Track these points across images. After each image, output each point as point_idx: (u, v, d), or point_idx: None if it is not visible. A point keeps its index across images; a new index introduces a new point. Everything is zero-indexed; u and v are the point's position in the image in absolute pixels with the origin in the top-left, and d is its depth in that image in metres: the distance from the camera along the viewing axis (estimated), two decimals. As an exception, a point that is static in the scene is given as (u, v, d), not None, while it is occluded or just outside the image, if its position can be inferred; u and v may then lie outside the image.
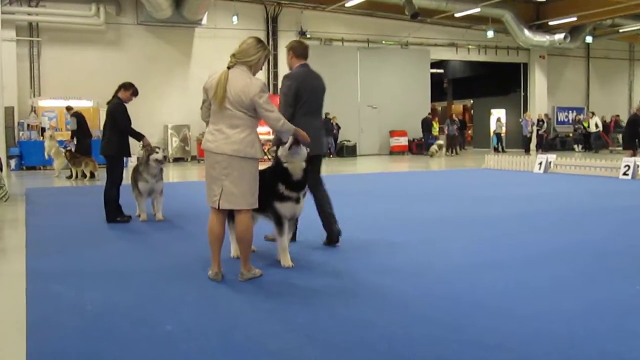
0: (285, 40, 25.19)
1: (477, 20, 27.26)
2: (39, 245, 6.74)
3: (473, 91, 34.86)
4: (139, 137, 8.22)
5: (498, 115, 31.28)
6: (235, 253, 5.71)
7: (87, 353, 3.53)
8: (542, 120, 28.28)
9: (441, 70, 35.25)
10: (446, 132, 27.92)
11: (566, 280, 5.04)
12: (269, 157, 5.64)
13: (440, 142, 26.07)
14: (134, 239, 7.26)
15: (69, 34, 22.16)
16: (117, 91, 8.30)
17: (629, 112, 33.54)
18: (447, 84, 37.44)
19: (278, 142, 5.50)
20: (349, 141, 26.19)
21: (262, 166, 5.35)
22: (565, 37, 28.21)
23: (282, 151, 5.36)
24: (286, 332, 3.81)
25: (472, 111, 35.98)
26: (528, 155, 22.06)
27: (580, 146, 28.80)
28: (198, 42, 23.96)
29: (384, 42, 27.40)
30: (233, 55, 4.92)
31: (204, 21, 23.19)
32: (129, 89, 8.26)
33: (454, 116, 29.94)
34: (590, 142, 28.52)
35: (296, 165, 5.35)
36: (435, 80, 32.23)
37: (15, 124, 20.39)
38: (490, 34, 26.85)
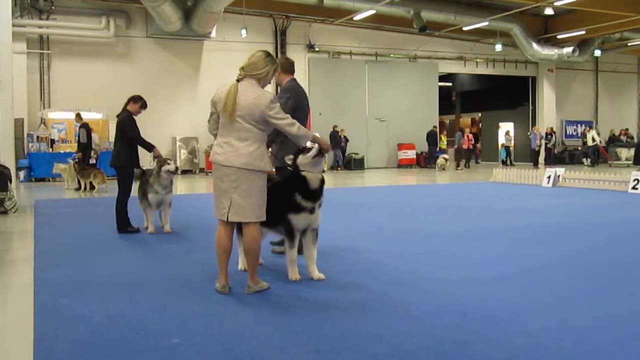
0: (294, 53, 25.42)
1: (485, 33, 27.32)
2: (47, 256, 6.76)
3: (481, 104, 34.84)
4: (149, 147, 8.25)
5: (507, 129, 31.24)
6: (243, 266, 5.70)
7: (94, 365, 3.52)
8: (551, 134, 28.23)
9: (449, 84, 35.27)
10: (455, 145, 27.89)
11: (575, 294, 5.00)
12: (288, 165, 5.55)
13: (446, 155, 25.98)
14: (141, 251, 7.26)
15: (79, 47, 22.34)
16: (126, 104, 8.35)
17: (638, 126, 33.54)
18: (455, 97, 37.46)
19: (298, 149, 5.41)
20: (357, 154, 26.20)
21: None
22: (573, 51, 28.22)
23: (303, 159, 5.30)
24: (293, 346, 3.79)
25: (480, 124, 35.94)
26: (537, 168, 22.00)
27: (589, 160, 28.73)
28: (207, 55, 24.10)
29: (392, 55, 27.46)
30: (242, 68, 4.92)
31: (213, 34, 23.34)
32: (138, 101, 8.32)
33: (468, 130, 29.71)
34: (588, 156, 28.36)
35: (316, 175, 5.31)
36: (444, 93, 32.25)
37: (25, 135, 20.54)
38: (498, 47, 26.88)
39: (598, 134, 28.76)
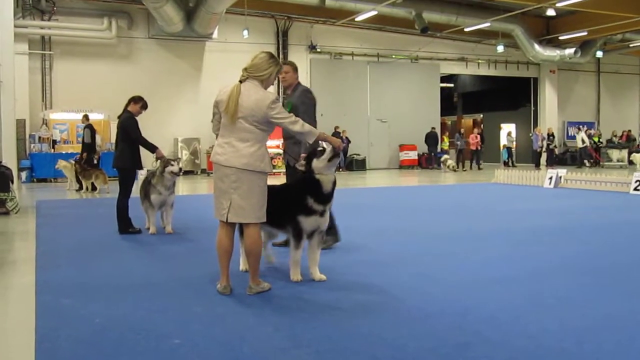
0: (295, 54, 25.44)
1: (487, 34, 27.30)
2: (48, 257, 6.76)
3: (483, 105, 34.84)
4: (152, 148, 8.25)
5: (508, 130, 31.24)
6: (244, 266, 5.69)
7: (95, 366, 3.53)
8: (553, 135, 28.21)
9: (451, 85, 35.28)
10: (457, 146, 27.78)
11: (576, 295, 5.00)
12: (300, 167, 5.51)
13: (447, 156, 25.82)
14: (142, 252, 7.27)
15: (81, 48, 22.37)
16: (127, 105, 8.35)
17: (640, 127, 33.51)
18: (457, 98, 37.45)
19: (311, 153, 5.35)
20: (358, 155, 26.20)
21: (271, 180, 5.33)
22: (575, 52, 28.20)
23: (318, 162, 5.21)
24: (294, 348, 3.79)
25: (482, 125, 35.94)
26: (538, 169, 21.99)
27: (591, 161, 28.67)
28: (209, 56, 24.11)
29: (393, 56, 27.47)
30: (245, 70, 4.92)
31: (215, 35, 23.36)
32: (139, 102, 8.32)
33: (476, 131, 29.38)
34: (577, 158, 28.20)
35: (329, 178, 5.26)
36: (445, 94, 32.25)
37: (27, 136, 20.58)
38: (500, 48, 26.88)
39: (589, 136, 28.73)
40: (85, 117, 16.65)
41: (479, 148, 27.73)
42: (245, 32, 22.88)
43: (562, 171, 16.63)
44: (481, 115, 35.99)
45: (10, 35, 15.67)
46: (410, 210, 11.42)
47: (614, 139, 30.45)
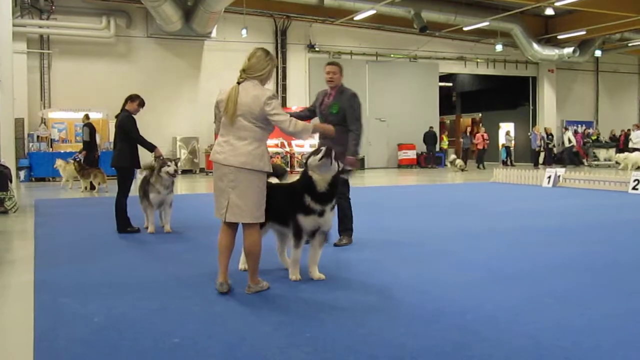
0: (294, 53, 25.45)
1: (486, 33, 27.31)
2: (47, 256, 6.76)
3: (482, 105, 34.84)
4: (151, 147, 8.24)
5: (507, 129, 31.26)
6: (243, 266, 5.68)
7: (94, 365, 3.53)
8: (552, 134, 28.21)
9: (450, 84, 35.27)
10: (463, 145, 27.62)
11: (574, 294, 5.01)
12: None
13: (454, 156, 25.60)
14: (141, 251, 7.27)
15: (80, 47, 22.35)
16: (124, 104, 8.35)
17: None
18: (455, 97, 37.46)
19: (314, 150, 5.38)
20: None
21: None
22: (574, 51, 28.21)
23: (312, 160, 5.25)
24: (293, 346, 3.79)
25: (480, 125, 35.95)
26: (537, 169, 21.99)
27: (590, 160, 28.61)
28: (207, 55, 24.10)
29: (392, 55, 27.46)
30: (243, 71, 4.90)
31: (214, 34, 23.35)
32: (135, 100, 8.32)
33: (483, 130, 29.02)
34: (563, 157, 28.06)
35: (322, 178, 5.21)
36: (444, 93, 32.24)
37: (25, 135, 20.55)
38: (499, 47, 26.88)
39: (587, 135, 28.67)
40: (86, 116, 16.68)
41: (486, 147, 27.59)
42: (244, 31, 22.87)
43: (560, 170, 16.65)
44: (480, 115, 36.01)
45: (8, 34, 15.65)
46: (409, 210, 11.42)
47: (601, 138, 30.45)
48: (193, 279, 5.55)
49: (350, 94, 7.08)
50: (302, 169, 5.49)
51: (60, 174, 16.86)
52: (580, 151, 28.65)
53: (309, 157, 5.34)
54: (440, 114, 29.84)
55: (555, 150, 28.78)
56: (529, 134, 28.95)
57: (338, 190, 5.40)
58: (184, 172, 22.94)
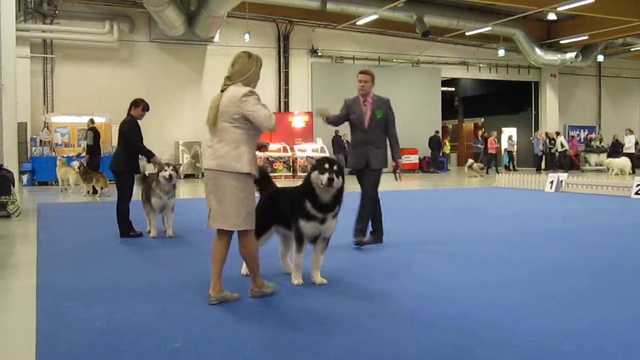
0: (296, 58, 25.48)
1: (488, 38, 27.33)
2: (49, 260, 6.77)
3: (484, 109, 34.82)
4: (149, 155, 8.27)
5: (509, 134, 31.24)
6: (245, 271, 5.62)
7: (96, 369, 3.53)
8: (554, 139, 28.17)
9: (452, 89, 35.27)
10: (474, 149, 27.46)
11: (576, 297, 5.00)
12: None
13: (472, 160, 25.24)
14: (143, 255, 7.27)
15: (83, 51, 22.40)
16: (129, 109, 8.38)
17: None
18: (458, 102, 37.46)
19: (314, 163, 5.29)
20: (359, 158, 26.14)
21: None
22: (576, 56, 28.21)
23: (315, 179, 5.13)
24: (295, 351, 3.79)
25: (483, 129, 35.92)
26: (539, 173, 21.94)
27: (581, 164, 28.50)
28: (210, 60, 24.14)
29: (395, 60, 27.49)
30: (227, 78, 4.78)
31: (216, 39, 23.39)
32: (140, 105, 8.34)
33: (495, 134, 28.73)
34: (554, 162, 27.92)
35: (325, 190, 5.13)
36: (446, 98, 32.24)
37: (28, 139, 20.60)
38: (501, 52, 26.88)
39: (590, 140, 28.60)
40: (91, 120, 16.75)
41: (498, 152, 27.36)
42: (247, 36, 22.91)
43: (563, 175, 16.63)
44: (482, 119, 36.00)
45: (12, 39, 15.68)
46: (411, 214, 11.42)
47: (592, 143, 30.42)
48: (195, 283, 5.55)
49: (387, 100, 7.56)
50: (305, 174, 5.43)
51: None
52: (572, 156, 28.54)
53: (312, 170, 5.21)
54: (442, 119, 29.81)
55: (557, 155, 28.69)
56: (532, 138, 28.92)
57: (342, 200, 5.35)
58: (187, 176, 22.96)
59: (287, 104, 25.44)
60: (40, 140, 20.66)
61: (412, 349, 3.79)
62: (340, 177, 5.17)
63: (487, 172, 25.88)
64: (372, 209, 7.51)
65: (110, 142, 20.47)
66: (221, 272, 4.82)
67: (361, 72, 7.68)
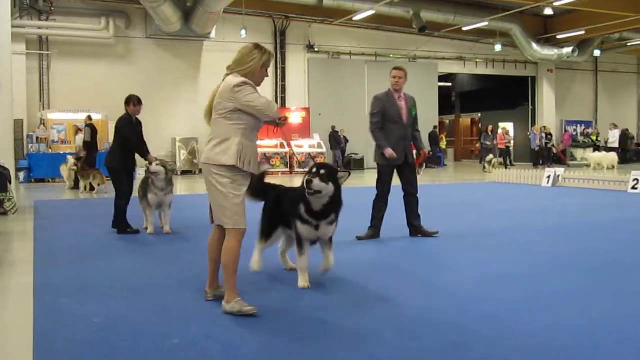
0: (293, 53, 25.45)
1: (485, 33, 27.30)
2: (46, 257, 6.76)
3: (481, 105, 34.80)
4: (144, 153, 8.29)
5: (506, 129, 31.19)
6: (257, 267, 5.48)
7: (94, 366, 3.52)
8: (551, 134, 28.18)
9: (449, 84, 35.24)
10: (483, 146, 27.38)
11: (573, 293, 5.01)
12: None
13: (492, 155, 25.08)
14: (141, 252, 7.27)
15: (79, 48, 22.33)
16: (126, 107, 8.39)
17: (637, 127, 33.53)
18: (455, 97, 37.44)
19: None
20: (356, 154, 26.17)
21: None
22: (573, 51, 28.22)
23: (302, 182, 4.92)
24: (293, 346, 3.79)
25: (480, 125, 35.92)
26: (536, 168, 21.95)
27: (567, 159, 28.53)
28: (206, 56, 24.08)
29: (391, 55, 27.45)
30: (227, 67, 4.63)
31: (213, 35, 23.34)
32: (130, 102, 8.30)
33: (506, 128, 28.47)
34: (551, 157, 27.82)
35: (317, 199, 4.95)
36: (443, 93, 32.21)
37: (25, 136, 20.51)
38: (498, 47, 26.88)
39: (570, 132, 28.56)
40: (89, 117, 16.73)
41: (508, 146, 27.24)
42: (243, 32, 22.87)
43: (560, 170, 16.65)
44: (479, 115, 36.00)
45: (7, 36, 15.63)
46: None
47: (578, 138, 30.47)
48: (193, 279, 5.54)
49: (413, 98, 8.09)
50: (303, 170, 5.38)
51: (61, 175, 16.91)
52: (558, 151, 28.50)
53: (308, 172, 5.01)
54: (439, 114, 29.80)
55: (554, 150, 28.73)
56: (529, 133, 28.92)
57: (339, 207, 5.19)
58: (184, 172, 22.94)
59: (284, 99, 25.40)
60: (37, 137, 20.61)
61: (411, 344, 3.79)
62: (330, 183, 4.92)
63: (509, 166, 25.51)
64: (417, 201, 7.80)
65: (107, 138, 20.41)
66: (217, 269, 4.73)
67: (396, 69, 8.00)
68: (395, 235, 7.83)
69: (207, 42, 23.89)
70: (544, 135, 27.61)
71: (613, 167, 22.41)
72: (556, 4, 22.92)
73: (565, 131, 31.08)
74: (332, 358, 3.60)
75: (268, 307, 4.63)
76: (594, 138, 29.15)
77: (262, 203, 5.57)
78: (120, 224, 8.33)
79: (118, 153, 8.27)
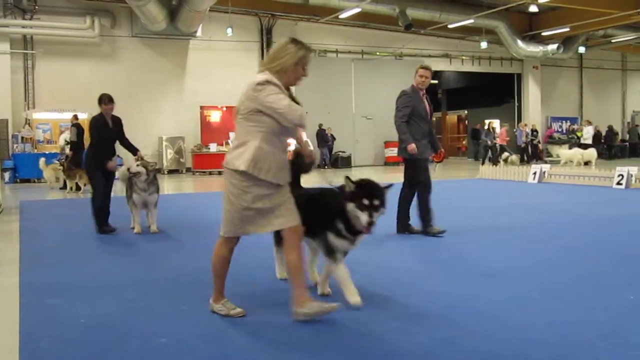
0: (279, 51, 25.26)
1: (471, 31, 27.39)
2: (32, 258, 6.72)
3: (467, 102, 34.95)
4: (133, 150, 8.32)
5: (493, 126, 31.29)
6: (281, 275, 5.27)
7: (81, 366, 3.51)
8: (536, 131, 28.32)
9: (435, 81, 35.31)
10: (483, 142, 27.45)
11: (559, 289, 5.04)
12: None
13: (507, 153, 25.01)
14: (127, 251, 7.24)
15: (64, 47, 22.16)
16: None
17: (622, 122, 33.79)
18: (441, 94, 37.55)
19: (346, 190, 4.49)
20: (343, 152, 26.21)
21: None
22: (558, 48, 28.39)
23: (351, 210, 4.36)
24: (282, 343, 3.79)
25: (466, 122, 36.07)
26: (523, 165, 22.06)
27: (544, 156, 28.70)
28: (193, 54, 24.00)
29: (378, 53, 27.49)
30: (261, 63, 4.24)
31: (199, 33, 23.25)
32: (102, 100, 8.40)
33: (507, 126, 28.36)
34: (536, 154, 27.92)
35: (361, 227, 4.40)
36: (429, 90, 32.27)
37: (9, 136, 20.38)
38: (483, 44, 26.98)
39: (572, 131, 28.76)
40: (75, 116, 16.63)
41: (532, 143, 27.39)
42: (229, 30, 22.81)
43: (546, 166, 16.75)
44: (465, 112, 36.14)
45: (-9, 35, 15.55)
46: (394, 207, 11.41)
47: (555, 134, 30.67)
48: (180, 279, 5.54)
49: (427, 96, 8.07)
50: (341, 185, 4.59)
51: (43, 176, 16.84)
52: (538, 148, 28.68)
53: (349, 199, 4.38)
54: (426, 112, 29.80)
55: (540, 146, 28.87)
56: (515, 130, 29.05)
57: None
58: (170, 172, 22.86)
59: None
60: (22, 137, 20.47)
61: (401, 339, 3.80)
62: (382, 209, 4.44)
63: (520, 163, 25.33)
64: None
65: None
66: (222, 281, 4.41)
67: (423, 67, 8.07)
68: (387, 232, 7.84)
69: (193, 40, 23.80)
70: (529, 131, 27.77)
71: (587, 163, 23.01)
72: (541, 1, 23.05)
73: (549, 127, 31.25)
74: (321, 355, 3.61)
75: (255, 301, 4.62)
76: (580, 134, 29.29)
77: None
78: (98, 222, 8.34)
79: (90, 154, 8.38)
